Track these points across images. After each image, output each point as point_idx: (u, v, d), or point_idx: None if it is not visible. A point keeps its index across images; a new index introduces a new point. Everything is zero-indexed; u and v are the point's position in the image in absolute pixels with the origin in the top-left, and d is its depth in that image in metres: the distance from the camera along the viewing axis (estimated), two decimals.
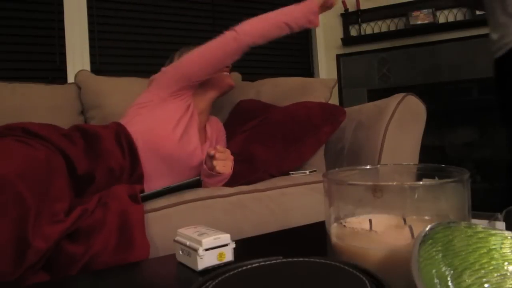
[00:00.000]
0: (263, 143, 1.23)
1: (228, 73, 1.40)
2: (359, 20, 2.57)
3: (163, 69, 1.27)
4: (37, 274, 0.71)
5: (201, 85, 1.30)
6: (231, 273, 0.43)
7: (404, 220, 0.48)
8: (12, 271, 0.67)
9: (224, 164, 1.11)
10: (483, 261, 0.40)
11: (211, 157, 1.10)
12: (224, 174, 1.12)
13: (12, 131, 0.92)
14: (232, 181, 1.14)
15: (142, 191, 0.98)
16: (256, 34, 1.21)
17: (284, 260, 0.45)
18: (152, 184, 1.12)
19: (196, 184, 1.05)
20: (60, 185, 0.84)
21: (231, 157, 1.14)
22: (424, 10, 2.42)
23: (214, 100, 1.38)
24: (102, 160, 1.02)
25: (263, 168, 1.19)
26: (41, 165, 0.81)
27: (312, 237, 0.80)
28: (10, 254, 0.68)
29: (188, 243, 0.62)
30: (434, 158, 2.50)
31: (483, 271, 0.39)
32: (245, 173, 1.17)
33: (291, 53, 2.54)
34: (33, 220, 0.71)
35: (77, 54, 1.87)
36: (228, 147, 1.32)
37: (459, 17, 2.40)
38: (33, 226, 0.70)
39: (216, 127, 1.43)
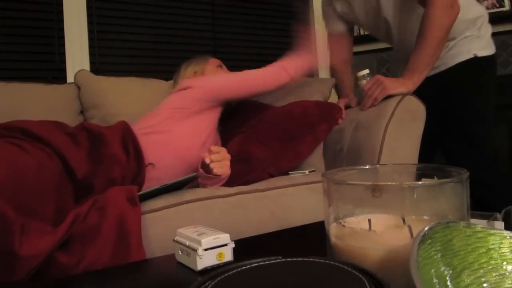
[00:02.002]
0: (260, 142, 1.23)
1: None
2: None
3: (201, 83, 1.30)
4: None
5: None
6: (231, 273, 0.43)
7: (403, 220, 0.48)
8: None
9: (221, 165, 1.08)
10: (482, 260, 0.40)
11: (207, 164, 1.08)
12: (222, 175, 1.10)
13: (10, 132, 0.90)
14: (230, 181, 1.13)
15: (139, 190, 0.98)
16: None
17: (284, 260, 0.45)
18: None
19: (193, 180, 1.05)
20: (49, 194, 0.81)
21: (228, 156, 1.11)
22: None
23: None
24: (104, 168, 1.00)
25: (260, 167, 1.19)
26: (30, 173, 0.78)
27: (311, 237, 0.80)
28: None
29: (187, 243, 0.62)
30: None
31: (482, 270, 0.39)
32: (243, 173, 1.17)
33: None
34: (19, 232, 0.68)
35: (77, 54, 1.87)
36: (226, 149, 1.32)
37: None
38: (20, 238, 0.67)
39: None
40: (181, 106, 1.23)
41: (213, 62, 1.46)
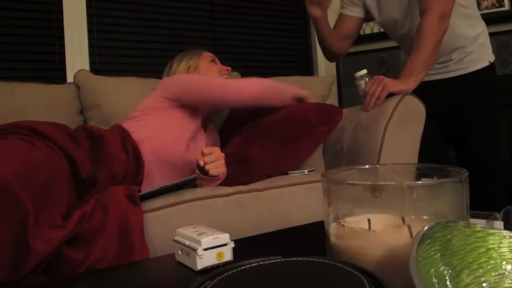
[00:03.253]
0: (259, 143, 1.22)
1: (228, 77, 1.41)
2: None
3: (172, 77, 1.28)
4: (36, 279, 0.70)
5: None
6: (230, 272, 0.43)
7: (403, 220, 0.48)
8: (9, 276, 0.66)
9: (216, 165, 1.07)
10: (482, 260, 0.40)
11: (201, 166, 1.07)
12: (219, 175, 1.09)
13: (18, 129, 0.91)
14: (228, 182, 1.12)
15: (139, 190, 0.98)
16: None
17: (283, 259, 0.45)
18: (155, 184, 1.12)
19: (193, 181, 1.05)
20: (60, 188, 0.82)
21: (221, 155, 1.10)
22: None
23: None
24: (106, 164, 1.01)
25: (259, 168, 1.18)
26: (42, 167, 0.79)
27: (311, 237, 0.80)
28: (8, 259, 0.66)
29: (187, 242, 0.62)
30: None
31: (481, 270, 0.39)
32: (242, 174, 1.16)
33: (290, 53, 2.54)
34: (32, 223, 0.69)
35: (76, 54, 1.87)
36: (225, 149, 1.32)
37: None
38: (33, 229, 0.69)
39: (213, 137, 1.43)
40: (151, 106, 1.23)
41: (206, 56, 1.43)
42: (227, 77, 1.39)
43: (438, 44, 1.30)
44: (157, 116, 1.21)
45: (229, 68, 1.42)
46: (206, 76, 1.32)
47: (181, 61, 1.40)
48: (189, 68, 1.39)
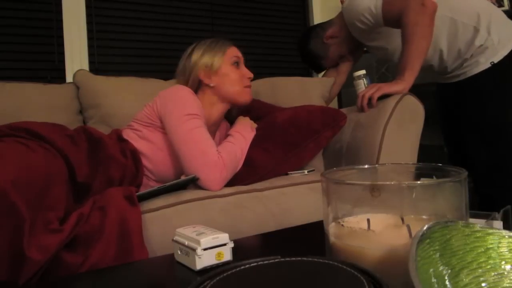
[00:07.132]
0: (263, 148, 1.22)
1: (250, 87, 1.28)
2: None
3: (163, 105, 1.14)
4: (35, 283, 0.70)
5: (214, 96, 1.23)
6: (229, 272, 0.43)
7: (402, 220, 0.48)
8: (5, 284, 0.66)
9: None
10: (481, 260, 0.40)
11: None
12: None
13: (15, 131, 0.91)
14: (230, 184, 1.13)
15: (137, 191, 0.98)
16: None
17: (282, 259, 0.45)
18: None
19: (191, 182, 1.05)
20: (57, 192, 0.82)
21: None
22: None
23: (226, 110, 1.29)
24: (103, 169, 1.00)
25: (261, 173, 1.18)
26: (39, 171, 0.79)
27: (310, 237, 0.80)
28: (4, 268, 0.66)
29: (186, 242, 0.62)
30: (432, 158, 2.49)
31: (480, 270, 0.39)
32: (243, 176, 1.16)
33: (290, 53, 2.54)
34: (28, 231, 0.68)
35: (76, 53, 1.86)
36: None
37: None
38: (29, 237, 0.68)
39: (224, 132, 1.40)
40: (147, 121, 1.16)
41: (231, 56, 1.24)
42: (247, 86, 1.25)
43: (423, 31, 1.26)
44: (155, 133, 1.15)
45: (251, 75, 1.26)
46: (200, 134, 1.08)
47: (203, 55, 1.23)
48: (207, 67, 1.22)
